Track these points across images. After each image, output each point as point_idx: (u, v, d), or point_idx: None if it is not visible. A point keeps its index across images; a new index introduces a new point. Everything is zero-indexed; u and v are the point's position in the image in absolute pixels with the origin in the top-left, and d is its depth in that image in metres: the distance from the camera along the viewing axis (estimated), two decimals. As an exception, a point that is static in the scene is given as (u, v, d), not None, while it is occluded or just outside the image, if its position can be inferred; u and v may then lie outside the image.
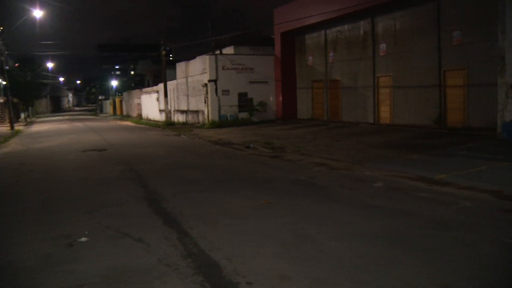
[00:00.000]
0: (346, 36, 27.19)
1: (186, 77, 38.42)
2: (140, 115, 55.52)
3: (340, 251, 5.97)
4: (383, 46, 24.17)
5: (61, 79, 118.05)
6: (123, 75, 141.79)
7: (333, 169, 12.65)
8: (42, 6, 45.09)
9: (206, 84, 31.92)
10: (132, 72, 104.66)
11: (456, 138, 16.85)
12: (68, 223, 7.96)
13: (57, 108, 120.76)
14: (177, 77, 42.25)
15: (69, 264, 5.89)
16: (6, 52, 43.18)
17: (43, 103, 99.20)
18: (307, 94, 31.58)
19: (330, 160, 14.19)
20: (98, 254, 6.27)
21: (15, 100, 52.81)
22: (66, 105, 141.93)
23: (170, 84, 41.35)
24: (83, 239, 6.95)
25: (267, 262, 5.67)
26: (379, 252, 5.90)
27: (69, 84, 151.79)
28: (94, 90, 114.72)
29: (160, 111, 44.99)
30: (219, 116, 31.56)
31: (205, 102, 32.51)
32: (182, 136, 26.61)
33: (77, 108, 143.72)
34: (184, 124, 36.88)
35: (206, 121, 31.97)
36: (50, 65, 79.02)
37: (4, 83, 47.08)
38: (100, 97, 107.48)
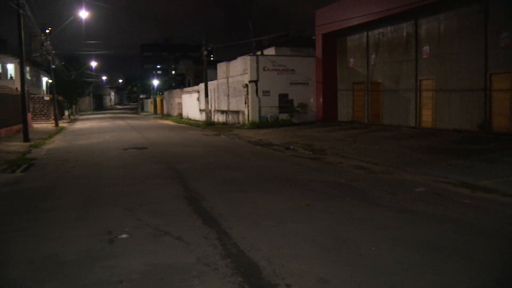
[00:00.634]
0: (388, 38, 26.90)
1: (227, 78, 38.65)
2: (180, 115, 56.08)
3: (380, 256, 5.93)
4: (426, 48, 23.81)
5: (104, 78, 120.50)
6: (164, 75, 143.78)
7: (373, 173, 12.57)
8: (87, 7, 46.16)
9: (247, 85, 32.07)
10: (173, 72, 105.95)
11: (501, 144, 16.46)
12: (109, 219, 8.08)
13: (99, 106, 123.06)
14: (218, 77, 42.56)
15: (110, 260, 5.98)
16: (53, 52, 44.38)
17: (86, 101, 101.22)
18: (347, 96, 31.36)
19: (370, 164, 14.10)
20: (138, 251, 6.34)
21: (60, 98, 54.10)
22: (108, 104, 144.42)
23: (211, 84, 41.66)
24: (124, 235, 7.05)
25: (306, 265, 5.66)
26: (420, 258, 5.83)
27: (111, 83, 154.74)
28: (135, 89, 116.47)
29: (201, 110, 45.34)
30: (259, 117, 31.65)
31: (245, 103, 32.66)
32: (222, 136, 26.79)
33: (118, 107, 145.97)
34: (224, 124, 37.10)
35: (246, 122, 32.10)
36: (93, 64, 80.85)
37: (50, 81, 48.36)
38: (141, 96, 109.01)
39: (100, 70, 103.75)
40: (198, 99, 46.88)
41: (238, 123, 34.40)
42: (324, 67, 32.18)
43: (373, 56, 28.30)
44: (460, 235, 6.83)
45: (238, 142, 22.50)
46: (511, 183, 10.37)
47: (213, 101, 41.97)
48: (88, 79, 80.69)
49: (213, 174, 12.77)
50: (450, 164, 13.26)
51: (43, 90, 58.68)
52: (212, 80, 42.33)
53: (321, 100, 32.41)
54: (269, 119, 31.69)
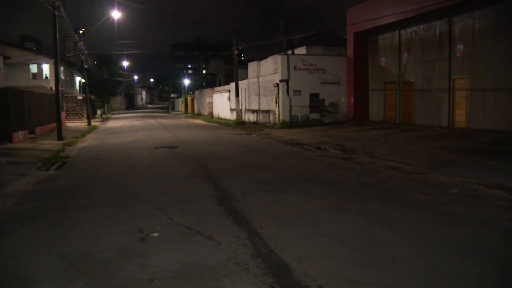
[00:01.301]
0: (420, 36, 26.53)
1: (258, 77, 38.68)
2: (211, 114, 56.35)
3: (412, 258, 5.84)
4: (460, 47, 23.40)
5: (136, 77, 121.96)
6: (195, 74, 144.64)
7: (405, 173, 12.40)
8: (120, 8, 46.75)
9: (277, 84, 32.05)
10: (204, 71, 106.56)
11: (538, 145, 16.09)
12: (140, 217, 8.14)
13: (130, 105, 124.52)
14: (248, 77, 42.60)
15: (141, 258, 6.03)
16: (86, 52, 45.09)
17: (118, 100, 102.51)
18: (379, 95, 31.07)
19: (402, 164, 13.92)
20: (169, 249, 6.37)
21: (92, 97, 54.97)
22: (139, 103, 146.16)
23: (242, 84, 41.74)
24: (155, 234, 7.09)
25: (338, 266, 5.61)
26: (453, 261, 5.72)
27: (142, 82, 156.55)
28: (166, 89, 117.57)
29: (231, 110, 45.49)
30: (290, 116, 31.60)
31: (276, 102, 32.64)
32: (253, 135, 26.82)
33: (149, 106, 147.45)
34: (255, 123, 37.13)
35: (277, 121, 32.08)
36: (125, 63, 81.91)
37: (83, 81, 49.15)
38: (172, 95, 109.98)
39: (131, 70, 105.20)
40: (229, 98, 47.04)
41: (269, 122, 34.39)
42: (356, 67, 31.95)
43: (405, 55, 27.96)
44: (495, 239, 6.69)
45: (269, 142, 22.49)
46: (548, 185, 10.11)
47: (243, 100, 42.05)
48: (119, 79, 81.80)
49: (244, 173, 12.79)
50: (484, 165, 13.00)
51: (76, 90, 59.69)
52: (242, 79, 42.41)
53: (352, 99, 32.18)
54: (299, 119, 31.61)
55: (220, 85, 61.21)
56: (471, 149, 16.01)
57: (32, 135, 24.74)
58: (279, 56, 32.44)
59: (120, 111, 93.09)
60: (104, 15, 38.20)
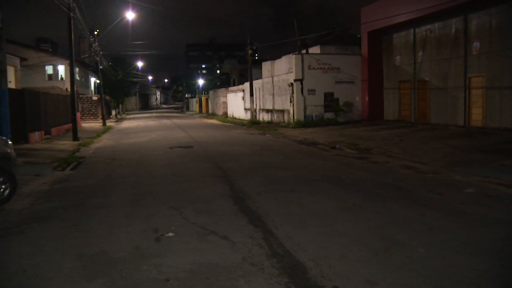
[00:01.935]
0: (436, 34, 26.31)
1: (272, 76, 38.67)
2: (225, 114, 56.43)
3: (430, 259, 5.77)
4: (476, 44, 23.16)
5: (150, 77, 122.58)
6: (209, 74, 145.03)
7: (421, 173, 12.31)
8: (134, 8, 47.01)
9: (292, 84, 32.01)
10: (218, 71, 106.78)
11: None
12: (155, 217, 8.17)
13: (145, 105, 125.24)
14: (262, 76, 42.65)
15: (157, 258, 6.04)
16: (101, 53, 45.38)
17: (133, 101, 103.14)
18: (394, 94, 30.88)
19: (417, 163, 13.82)
20: (185, 249, 6.37)
21: (107, 97, 55.32)
22: (154, 103, 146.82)
23: (256, 83, 41.75)
24: (170, 234, 7.10)
25: (354, 266, 5.58)
26: (471, 262, 5.65)
27: (157, 82, 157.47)
28: (181, 89, 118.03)
29: (245, 109, 45.53)
30: (304, 115, 31.54)
31: (290, 102, 32.60)
32: (267, 135, 26.81)
33: (164, 106, 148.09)
34: (269, 123, 37.11)
35: (291, 121, 32.04)
36: (140, 64, 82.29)
37: (98, 81, 49.48)
38: (186, 95, 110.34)
39: (146, 70, 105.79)
40: (243, 98, 47.08)
41: (283, 122, 34.35)
42: (370, 65, 31.79)
43: (420, 53, 27.77)
44: (514, 239, 6.60)
45: (283, 141, 22.47)
46: None
47: (258, 100, 42.05)
48: (134, 79, 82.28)
49: (258, 173, 12.77)
50: (502, 164, 12.85)
51: (91, 90, 60.12)
52: (256, 79, 42.44)
53: (366, 98, 32.03)
54: (314, 118, 31.54)
55: (234, 85, 61.33)
56: (487, 148, 15.85)
57: (48, 136, 24.96)
58: (293, 56, 32.39)
59: (135, 112, 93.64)
60: (119, 16, 38.35)
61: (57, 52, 57.41)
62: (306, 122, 30.66)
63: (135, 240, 6.85)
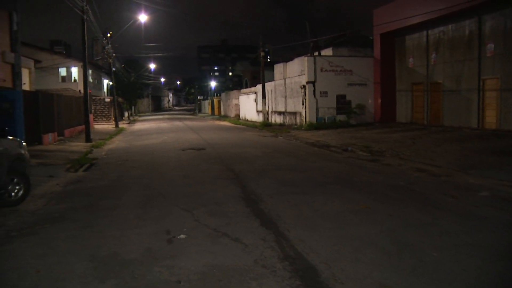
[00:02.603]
0: (449, 36, 26.16)
1: (284, 79, 38.64)
2: (237, 116, 56.44)
3: (443, 262, 5.73)
4: (490, 46, 22.99)
5: (162, 79, 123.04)
6: (221, 76, 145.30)
7: (434, 176, 12.22)
8: (147, 11, 47.19)
9: (304, 86, 31.96)
10: (230, 73, 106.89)
11: None
12: (167, 219, 8.18)
13: (157, 107, 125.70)
14: (275, 78, 42.60)
15: (169, 260, 6.04)
16: (114, 55, 45.64)
17: (145, 103, 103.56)
18: (406, 97, 30.72)
19: (430, 166, 13.73)
20: (196, 251, 6.37)
21: (119, 99, 55.59)
22: (166, 105, 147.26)
23: (268, 85, 41.73)
24: (182, 236, 7.10)
25: (366, 269, 5.54)
26: (485, 266, 5.59)
27: (169, 84, 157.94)
28: (193, 91, 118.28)
29: (258, 112, 45.50)
30: (317, 118, 31.48)
31: (302, 104, 32.55)
32: (279, 137, 26.79)
33: (176, 108, 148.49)
34: (281, 125, 37.08)
35: (304, 123, 31.98)
36: (152, 66, 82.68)
37: (111, 83, 49.76)
38: (198, 97, 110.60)
39: (158, 72, 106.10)
40: (255, 100, 47.05)
41: (295, 124, 34.30)
42: (382, 68, 31.66)
43: (433, 55, 27.61)
44: (530, 242, 6.53)
45: (296, 144, 22.43)
46: None
47: (270, 102, 42.03)
48: (146, 81, 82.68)
49: (270, 175, 12.74)
50: (516, 167, 12.74)
51: (104, 92, 60.44)
52: (269, 81, 42.40)
53: (379, 101, 31.90)
54: (326, 120, 31.46)
55: (246, 87, 61.29)
56: (502, 151, 15.71)
57: (61, 137, 25.12)
58: (306, 58, 32.35)
59: (147, 113, 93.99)
60: (132, 18, 38.57)
61: (71, 54, 57.72)
62: (318, 125, 30.57)
63: (147, 242, 6.86)
